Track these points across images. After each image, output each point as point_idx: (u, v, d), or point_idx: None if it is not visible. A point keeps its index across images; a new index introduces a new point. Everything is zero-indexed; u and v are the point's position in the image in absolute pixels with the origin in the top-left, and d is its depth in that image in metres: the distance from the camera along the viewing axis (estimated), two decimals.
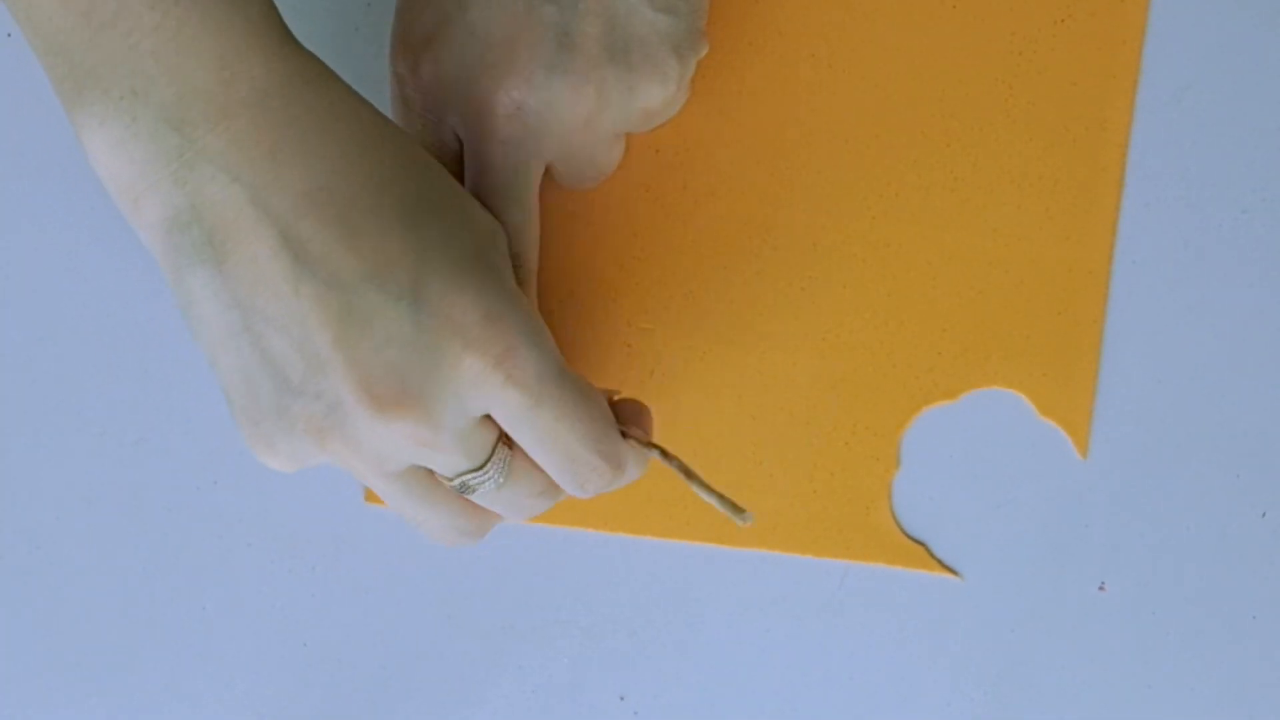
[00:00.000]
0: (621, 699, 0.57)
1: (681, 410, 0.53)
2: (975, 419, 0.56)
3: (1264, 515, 0.57)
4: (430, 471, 0.47)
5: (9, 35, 0.57)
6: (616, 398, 0.51)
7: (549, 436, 0.46)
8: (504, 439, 0.47)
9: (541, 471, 0.48)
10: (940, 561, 0.56)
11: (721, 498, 0.50)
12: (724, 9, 0.56)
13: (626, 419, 0.50)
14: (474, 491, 0.47)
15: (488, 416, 0.46)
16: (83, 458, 0.56)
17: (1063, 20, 0.56)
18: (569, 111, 0.50)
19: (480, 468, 0.47)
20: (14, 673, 0.56)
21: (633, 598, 0.57)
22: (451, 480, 0.47)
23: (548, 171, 0.53)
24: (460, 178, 0.51)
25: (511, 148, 0.50)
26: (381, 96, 0.52)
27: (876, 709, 0.57)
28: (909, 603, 0.57)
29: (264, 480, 0.56)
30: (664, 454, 0.50)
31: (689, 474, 0.50)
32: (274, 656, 0.56)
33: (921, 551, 0.56)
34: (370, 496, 0.56)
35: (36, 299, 0.57)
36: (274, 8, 0.44)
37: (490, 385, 0.45)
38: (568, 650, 0.57)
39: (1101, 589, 0.57)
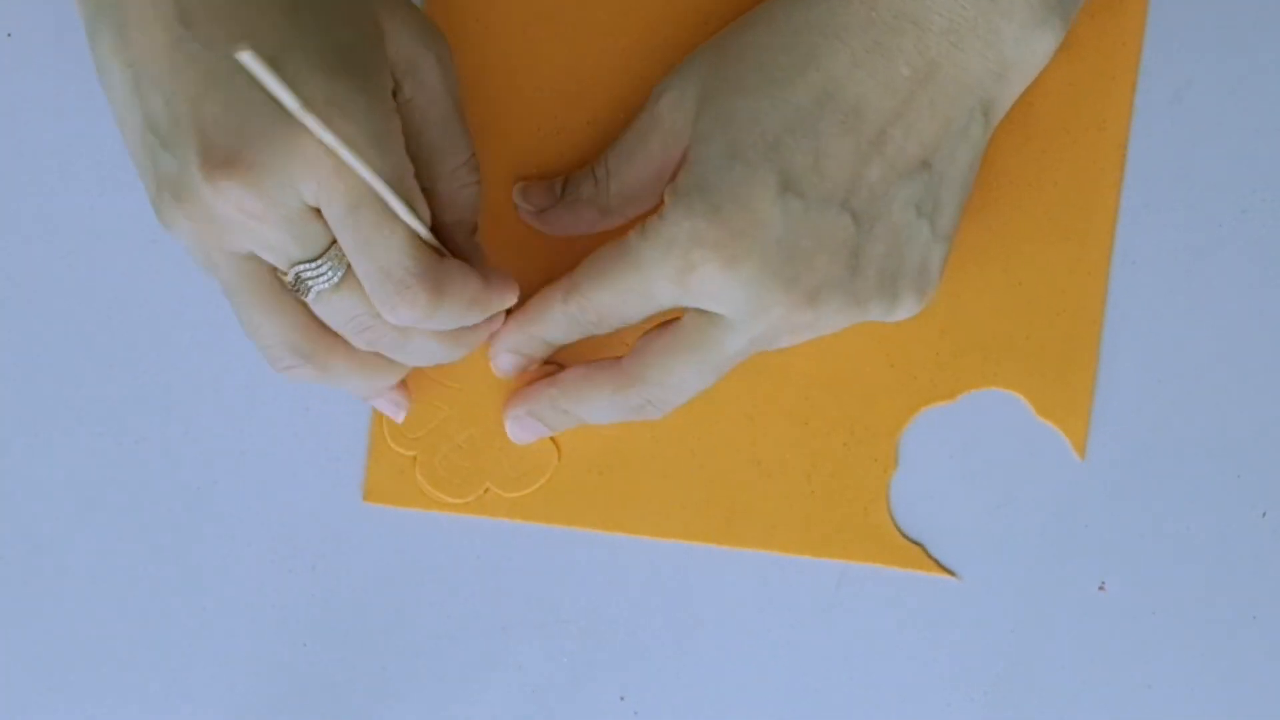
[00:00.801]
0: (621, 699, 0.57)
1: (680, 410, 0.53)
2: (973, 420, 0.56)
3: (1264, 515, 0.57)
4: (273, 270, 0.48)
5: (9, 35, 0.57)
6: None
7: (366, 241, 0.46)
8: None
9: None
10: (938, 562, 0.56)
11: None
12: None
13: (490, 279, 0.50)
14: (309, 291, 0.48)
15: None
16: (83, 458, 0.56)
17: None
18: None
19: (314, 260, 0.47)
20: (14, 673, 0.56)
21: (633, 598, 0.57)
22: (287, 274, 0.47)
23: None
24: None
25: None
26: None
27: (876, 709, 0.57)
28: (908, 603, 0.57)
29: (264, 480, 0.56)
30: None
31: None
32: (274, 656, 0.56)
33: (919, 552, 0.56)
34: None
35: (36, 299, 0.57)
36: None
37: (320, 171, 0.45)
38: (568, 650, 0.57)
39: (1101, 589, 0.57)
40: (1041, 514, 0.57)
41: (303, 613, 0.56)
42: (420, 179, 0.49)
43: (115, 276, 0.57)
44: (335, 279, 0.47)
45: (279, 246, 0.47)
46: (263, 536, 0.56)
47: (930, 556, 0.56)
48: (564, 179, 0.55)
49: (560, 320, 0.52)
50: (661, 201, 0.50)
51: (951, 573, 0.57)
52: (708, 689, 0.57)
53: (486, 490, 0.56)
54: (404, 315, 0.48)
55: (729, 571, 0.57)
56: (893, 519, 0.56)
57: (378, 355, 0.50)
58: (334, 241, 0.47)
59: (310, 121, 0.43)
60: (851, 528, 0.56)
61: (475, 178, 0.51)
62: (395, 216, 0.46)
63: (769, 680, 0.57)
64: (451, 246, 0.50)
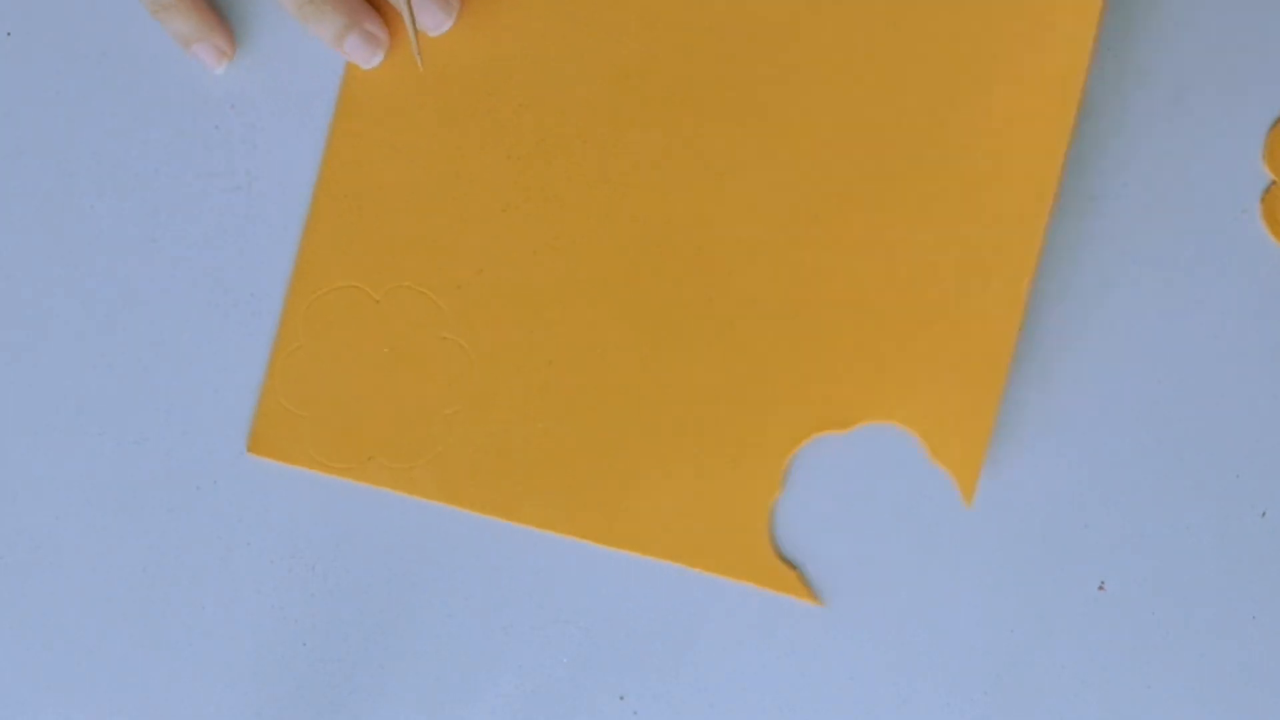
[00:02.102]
0: (621, 699, 0.57)
1: (579, 399, 0.53)
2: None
3: (1264, 515, 0.57)
4: None
5: (8, 34, 0.57)
6: None
7: None
8: None
9: None
10: (810, 589, 0.56)
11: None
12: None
13: None
14: None
15: None
16: (83, 458, 0.56)
17: (994, 62, 0.56)
18: None
19: None
20: (14, 673, 0.56)
21: (633, 598, 0.57)
22: None
23: None
24: None
25: None
26: None
27: (876, 709, 0.57)
28: (909, 602, 0.57)
29: (264, 480, 0.56)
30: None
31: None
32: (274, 656, 0.56)
33: (794, 577, 0.56)
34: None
35: (36, 298, 0.57)
36: None
37: None
38: (568, 650, 0.57)
39: (1101, 589, 0.57)
40: (1043, 513, 0.57)
41: (302, 613, 0.56)
42: None
43: (115, 276, 0.57)
44: None
45: None
46: (263, 537, 0.56)
47: (805, 582, 0.56)
48: None
49: None
50: None
51: (819, 600, 0.56)
52: (708, 689, 0.57)
53: (371, 459, 0.56)
54: None
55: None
56: (772, 540, 0.56)
57: None
58: None
59: None
60: (730, 544, 0.56)
61: None
62: None
63: (770, 680, 0.57)
64: None
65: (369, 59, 0.56)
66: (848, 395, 0.56)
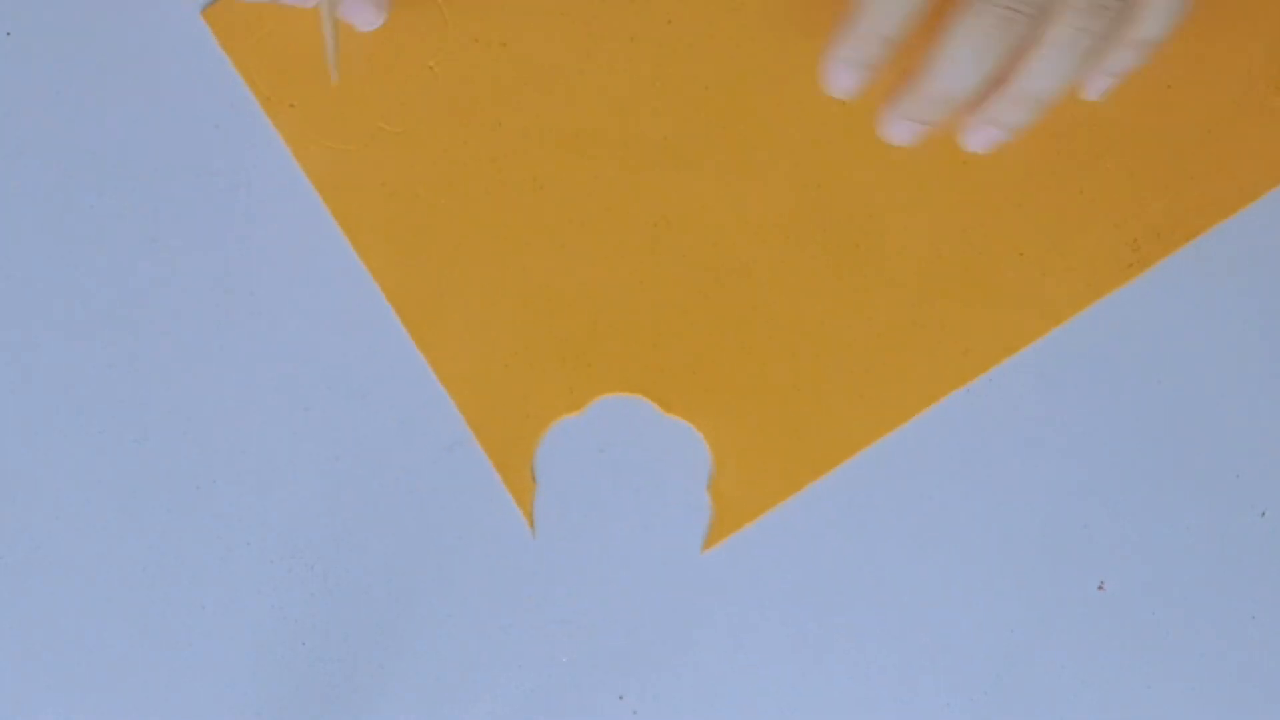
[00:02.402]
0: (621, 699, 0.57)
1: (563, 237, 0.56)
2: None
3: (1264, 515, 0.57)
4: None
5: (8, 34, 0.57)
6: None
7: None
8: None
9: None
10: (532, 512, 0.56)
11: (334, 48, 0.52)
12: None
13: None
14: None
15: None
16: (83, 458, 0.56)
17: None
18: None
19: None
20: (14, 673, 0.56)
21: (633, 598, 0.57)
22: None
23: None
24: None
25: None
26: None
27: (876, 709, 0.57)
28: (909, 602, 0.57)
29: (264, 480, 0.56)
30: None
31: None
32: (274, 656, 0.56)
33: (530, 489, 0.56)
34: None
35: (36, 298, 0.57)
36: None
37: None
38: (568, 650, 0.57)
39: (1101, 589, 0.57)
40: (1043, 513, 0.57)
41: (302, 613, 0.56)
42: None
43: (115, 276, 0.57)
44: None
45: None
46: (263, 537, 0.56)
47: (531, 501, 0.56)
48: None
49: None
50: None
51: (533, 526, 0.56)
52: (708, 689, 0.57)
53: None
54: None
55: (729, 571, 0.57)
56: (535, 448, 0.56)
57: None
58: None
59: None
60: (504, 423, 0.56)
61: None
62: None
63: (770, 680, 0.57)
64: None
65: (372, 20, 0.55)
66: (686, 383, 0.56)
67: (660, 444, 0.56)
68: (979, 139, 0.53)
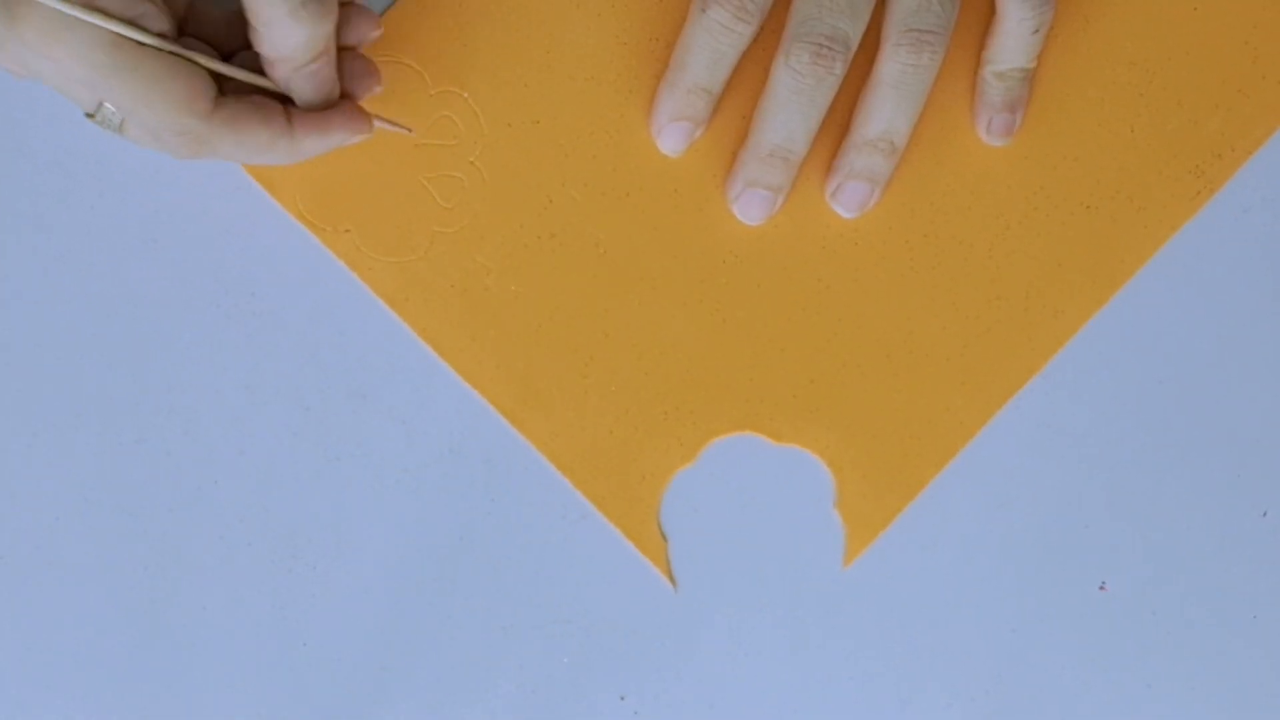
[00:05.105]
0: (621, 699, 0.57)
1: (568, 282, 0.56)
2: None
3: (1264, 515, 0.57)
4: None
5: None
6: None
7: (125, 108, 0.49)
8: None
9: None
10: (669, 567, 0.56)
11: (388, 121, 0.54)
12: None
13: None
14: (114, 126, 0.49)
15: None
16: (83, 458, 0.56)
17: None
18: None
19: (92, 115, 0.49)
20: (14, 673, 0.56)
21: (633, 598, 0.57)
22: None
23: None
24: None
25: None
26: None
27: (876, 709, 0.57)
28: (909, 602, 0.57)
29: (264, 480, 0.56)
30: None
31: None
32: (274, 656, 0.56)
33: (662, 547, 0.56)
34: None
35: (36, 299, 0.56)
36: None
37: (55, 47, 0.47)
38: (568, 650, 0.57)
39: (1101, 589, 0.57)
40: (1043, 513, 0.57)
41: (303, 613, 0.56)
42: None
43: (115, 276, 0.56)
44: (116, 124, 0.49)
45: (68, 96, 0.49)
46: (263, 537, 0.56)
47: (668, 557, 0.56)
48: None
49: None
50: None
51: (673, 580, 0.56)
52: (708, 689, 0.57)
53: (348, 231, 0.56)
54: (186, 156, 0.51)
55: (729, 571, 0.57)
56: (658, 504, 0.56)
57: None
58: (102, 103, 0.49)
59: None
60: (622, 489, 0.56)
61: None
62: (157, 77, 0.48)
63: (770, 680, 0.57)
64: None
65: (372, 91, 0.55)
66: (791, 410, 0.56)
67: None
68: (844, 197, 0.55)
